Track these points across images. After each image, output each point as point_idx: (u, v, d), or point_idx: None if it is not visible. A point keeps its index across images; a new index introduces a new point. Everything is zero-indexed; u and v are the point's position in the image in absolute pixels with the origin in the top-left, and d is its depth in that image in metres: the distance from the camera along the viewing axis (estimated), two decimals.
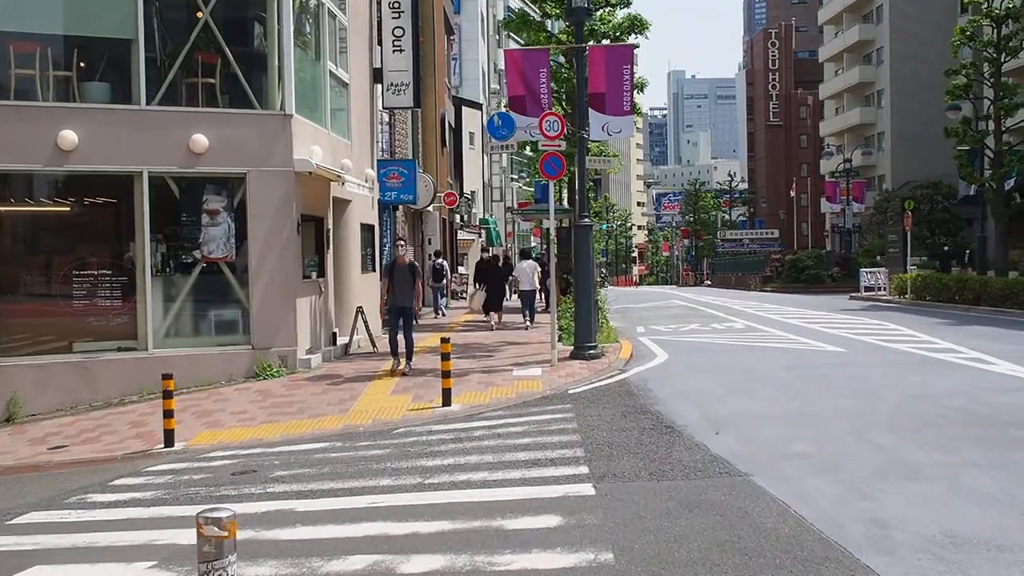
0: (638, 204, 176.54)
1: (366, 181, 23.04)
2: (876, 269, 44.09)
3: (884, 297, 39.69)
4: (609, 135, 19.16)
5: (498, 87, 75.02)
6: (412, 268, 17.26)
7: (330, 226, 20.69)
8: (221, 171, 17.61)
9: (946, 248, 45.85)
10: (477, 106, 61.21)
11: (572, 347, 19.22)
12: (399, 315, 17.38)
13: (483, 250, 30.84)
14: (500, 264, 30.39)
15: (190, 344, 17.63)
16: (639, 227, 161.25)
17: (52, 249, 17.30)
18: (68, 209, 17.45)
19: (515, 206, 76.40)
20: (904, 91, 76.51)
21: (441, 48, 40.58)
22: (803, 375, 16.10)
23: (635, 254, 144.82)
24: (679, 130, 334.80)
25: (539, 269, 30.71)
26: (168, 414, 12.93)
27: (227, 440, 13.07)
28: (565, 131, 18.05)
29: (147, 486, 10.44)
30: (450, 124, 45.42)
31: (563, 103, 26.74)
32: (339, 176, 19.42)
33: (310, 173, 18.13)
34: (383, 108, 26.22)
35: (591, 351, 18.50)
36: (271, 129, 17.86)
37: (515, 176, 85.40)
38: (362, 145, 23.90)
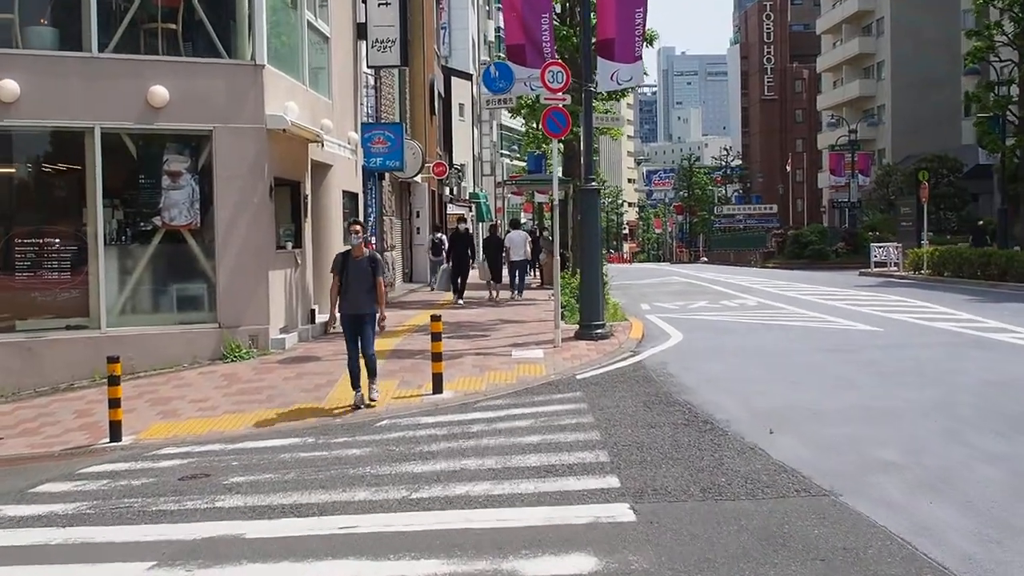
0: (629, 181, 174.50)
1: (349, 143, 21.03)
2: (887, 244, 42.18)
3: (897, 273, 37.82)
4: (619, 84, 17.25)
5: (488, 59, 72.96)
6: (373, 263, 12.09)
7: (308, 192, 18.72)
8: (184, 127, 15.66)
9: (980, 222, 43.86)
10: (467, 77, 59.15)
11: (577, 326, 17.34)
12: (354, 327, 12.01)
13: (459, 220, 29.01)
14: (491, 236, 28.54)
15: (148, 322, 15.69)
16: (630, 204, 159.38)
17: None
18: (8, 170, 15.46)
19: (505, 180, 74.51)
20: (905, 63, 74.59)
21: (430, 10, 38.52)
22: (846, 359, 14.20)
23: (626, 232, 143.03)
24: (669, 107, 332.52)
25: (530, 240, 30.58)
26: (114, 403, 11.16)
27: (183, 434, 11.27)
28: (570, 83, 16.08)
29: (73, 495, 8.55)
30: (439, 93, 43.39)
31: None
32: (318, 136, 17.39)
33: (284, 131, 16.16)
34: (368, 67, 24.21)
35: (599, 330, 16.62)
36: (240, 81, 15.90)
37: (505, 151, 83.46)
38: (345, 106, 21.92)
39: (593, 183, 16.65)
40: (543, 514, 6.85)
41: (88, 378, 14.70)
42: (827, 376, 12.67)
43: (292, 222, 18.32)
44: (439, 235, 33.81)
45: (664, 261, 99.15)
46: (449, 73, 51.37)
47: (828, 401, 10.86)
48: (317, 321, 18.95)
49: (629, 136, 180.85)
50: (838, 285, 31.96)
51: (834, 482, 7.37)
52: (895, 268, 39.57)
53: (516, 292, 27.35)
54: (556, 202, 16.38)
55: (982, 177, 56.17)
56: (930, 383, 11.89)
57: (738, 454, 8.36)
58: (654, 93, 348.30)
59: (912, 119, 72.30)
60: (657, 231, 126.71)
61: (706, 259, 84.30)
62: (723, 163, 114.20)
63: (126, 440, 11.06)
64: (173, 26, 15.96)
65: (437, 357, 12.56)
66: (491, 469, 8.28)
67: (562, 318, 16.99)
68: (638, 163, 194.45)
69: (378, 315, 12.13)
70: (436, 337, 12.59)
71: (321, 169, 20.11)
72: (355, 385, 12.07)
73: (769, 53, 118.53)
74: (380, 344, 17.05)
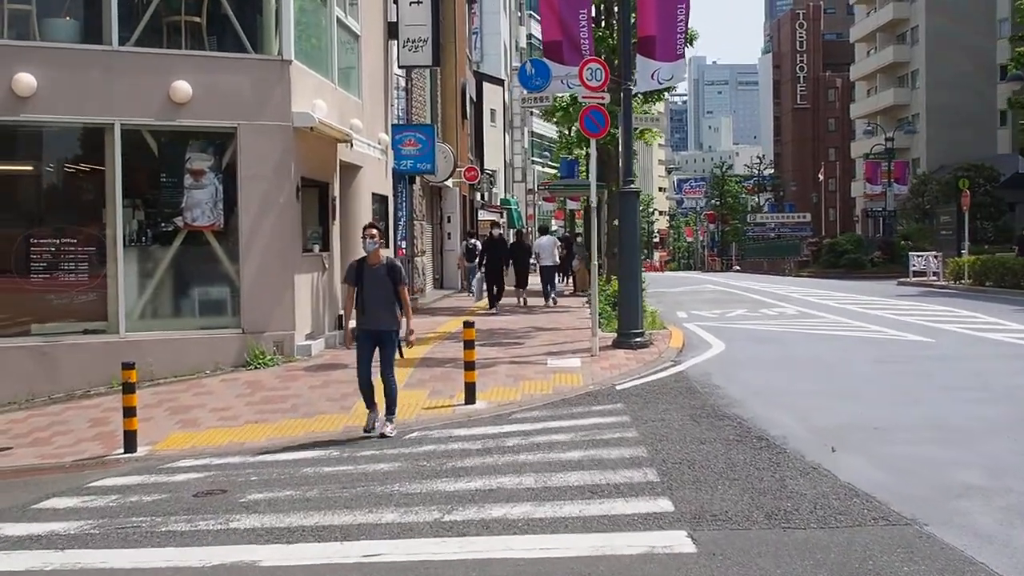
0: (660, 190, 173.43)
1: (379, 144, 20.40)
2: (926, 253, 41.21)
3: (937, 283, 36.84)
4: (660, 84, 16.59)
5: (519, 64, 72.32)
6: (392, 271, 10.52)
7: (336, 193, 18.10)
8: (207, 124, 15.08)
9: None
10: (499, 82, 58.59)
11: (615, 334, 16.64)
12: (371, 344, 10.58)
13: (492, 225, 27.90)
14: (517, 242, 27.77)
15: (169, 327, 15.09)
16: (661, 212, 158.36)
17: (6, 214, 14.80)
18: (25, 167, 14.93)
19: (536, 187, 73.85)
20: (940, 71, 73.59)
21: (462, 13, 37.93)
22: (901, 371, 13.41)
23: (657, 240, 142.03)
24: (700, 116, 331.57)
25: (559, 245, 30.36)
26: (129, 412, 10.54)
27: (201, 444, 10.65)
28: (608, 82, 15.38)
29: (79, 512, 7.91)
30: (471, 97, 42.79)
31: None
32: (347, 136, 16.78)
33: (311, 129, 15.56)
34: (399, 67, 23.61)
35: (638, 339, 15.90)
36: (266, 77, 15.31)
37: (536, 158, 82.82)
38: (375, 106, 21.32)
39: (632, 185, 15.95)
40: (591, 542, 6.14)
41: (106, 384, 14.09)
42: (885, 389, 11.88)
43: (319, 225, 17.73)
44: (473, 240, 33.52)
45: (695, 270, 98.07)
46: (481, 78, 50.76)
47: (891, 417, 10.07)
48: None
49: (660, 144, 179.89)
50: (877, 294, 31.08)
51: (916, 509, 6.61)
52: (934, 278, 38.59)
53: (548, 299, 26.80)
54: (594, 205, 15.68)
55: (1019, 187, 55.17)
56: (999, 399, 11.10)
57: (801, 475, 7.60)
58: (684, 102, 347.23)
59: (947, 128, 71.29)
60: (688, 239, 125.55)
61: (738, 268, 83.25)
62: (755, 171, 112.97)
63: (141, 451, 10.46)
64: (197, 19, 15.39)
65: (470, 366, 11.92)
66: (530, 489, 7.57)
67: (600, 326, 16.28)
68: (669, 171, 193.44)
69: (404, 329, 10.60)
70: (469, 345, 11.95)
71: (350, 170, 19.51)
72: (369, 404, 10.69)
73: (802, 61, 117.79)
74: (409, 352, 16.48)
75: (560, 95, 26.36)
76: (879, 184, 59.61)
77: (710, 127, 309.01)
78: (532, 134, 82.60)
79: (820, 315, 22.81)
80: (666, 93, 24.52)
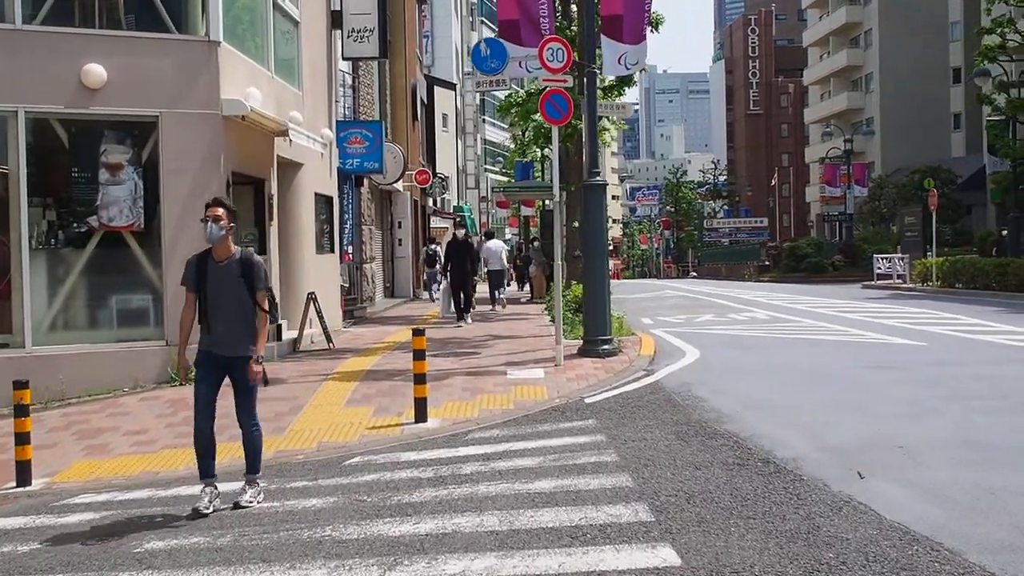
0: (613, 198, 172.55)
1: (322, 139, 18.85)
2: (891, 255, 40.20)
3: (903, 285, 35.76)
4: (627, 68, 15.19)
5: (471, 70, 70.99)
6: (247, 267, 7.69)
7: (274, 192, 16.56)
8: (125, 112, 13.54)
9: (1004, 232, 41.82)
10: (451, 86, 57.22)
11: (580, 341, 15.20)
12: (216, 376, 7.98)
13: (456, 225, 25.94)
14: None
15: (83, 339, 13.49)
16: (614, 220, 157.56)
17: None
18: None
19: (489, 195, 72.50)
20: (893, 75, 73.41)
21: (412, 9, 36.45)
22: (901, 378, 12.04)
23: (611, 247, 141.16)
24: (651, 124, 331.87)
25: (506, 250, 29.48)
26: (22, 439, 9.02)
27: (109, 475, 9.13)
28: (571, 64, 13.97)
29: None
30: (422, 99, 41.30)
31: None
32: (282, 126, 15.18)
33: (243, 118, 14.05)
34: (344, 58, 22.07)
35: (605, 346, 14.48)
36: (192, 60, 13.78)
37: (489, 166, 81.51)
38: (318, 100, 19.80)
39: (598, 178, 14.53)
40: None
41: (9, 405, 12.44)
42: (893, 399, 10.47)
43: (255, 226, 16.19)
44: (433, 246, 32.40)
45: (650, 277, 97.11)
46: (432, 82, 49.31)
47: (913, 432, 8.62)
48: (284, 338, 16.76)
49: (613, 152, 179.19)
50: (845, 297, 29.94)
51: (1005, 562, 5.09)
52: (899, 280, 37.56)
53: (495, 304, 26.45)
54: (557, 198, 14.23)
55: (975, 188, 54.61)
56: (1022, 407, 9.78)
57: (832, 510, 6.12)
58: (636, 111, 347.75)
59: (901, 131, 70.96)
60: (643, 247, 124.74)
61: (695, 274, 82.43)
62: (710, 177, 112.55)
63: (37, 484, 8.93)
64: None
65: (420, 379, 10.43)
66: (493, 532, 6.08)
67: (563, 333, 14.84)
68: (622, 180, 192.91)
69: (255, 354, 7.72)
70: (419, 355, 10.46)
71: (290, 168, 17.99)
72: (206, 470, 7.81)
73: (754, 67, 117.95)
74: (355, 363, 15.01)
75: (513, 90, 25.03)
76: (838, 187, 58.72)
77: (662, 135, 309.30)
78: (485, 141, 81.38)
79: (793, 319, 21.53)
80: (632, 80, 23.04)
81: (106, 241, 13.46)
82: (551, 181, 32.76)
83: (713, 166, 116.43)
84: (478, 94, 73.36)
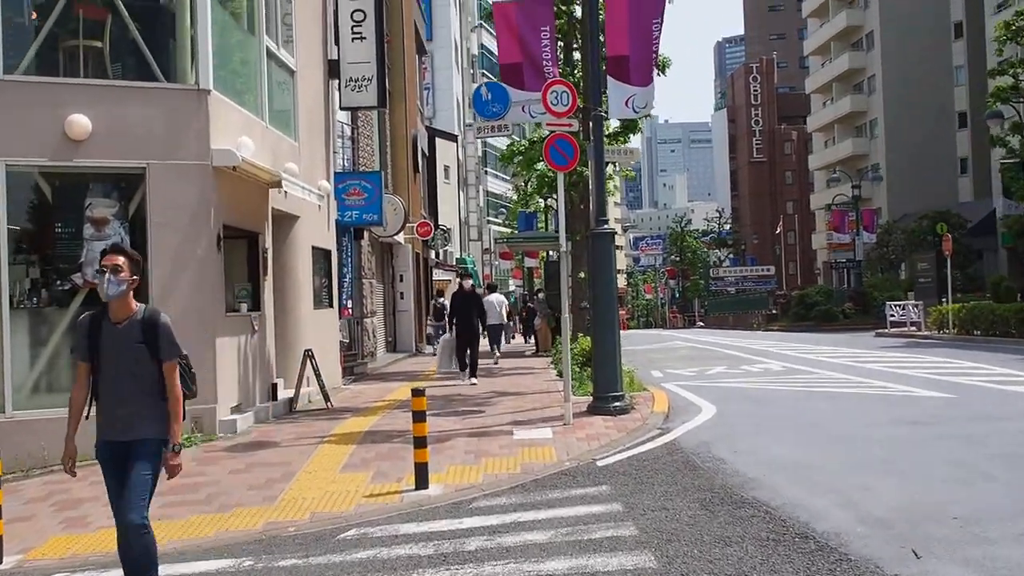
0: (617, 248, 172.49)
1: (319, 191, 18.23)
2: (905, 302, 39.49)
3: (919, 333, 35.01)
4: (635, 112, 14.62)
5: (473, 122, 70.76)
6: (150, 332, 6.12)
7: (268, 245, 15.92)
8: (111, 165, 12.87)
9: None
10: (452, 138, 56.88)
11: (590, 397, 14.49)
12: (116, 465, 6.28)
13: (461, 276, 24.43)
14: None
15: (66, 402, 12.72)
16: (618, 271, 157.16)
17: None
18: None
19: (492, 247, 71.98)
20: (898, 120, 73.18)
21: (412, 60, 36.01)
22: (938, 435, 11.25)
23: None
24: (654, 174, 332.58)
25: (506, 304, 29.10)
26: None
27: (86, 551, 8.38)
28: (576, 107, 13.38)
29: None
30: (423, 151, 40.80)
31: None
32: (276, 178, 14.54)
33: (234, 169, 13.42)
34: (342, 108, 21.53)
35: (617, 403, 13.76)
36: (181, 109, 13.16)
37: (492, 218, 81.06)
38: (315, 151, 19.23)
39: (606, 226, 13.88)
40: None
41: None
42: (933, 460, 9.68)
43: (249, 281, 15.52)
44: (442, 299, 31.71)
45: (655, 327, 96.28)
46: (434, 134, 48.93)
47: (966, 500, 7.83)
48: (279, 398, 16.06)
49: (616, 203, 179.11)
50: (860, 346, 29.23)
51: None
52: (914, 328, 36.82)
53: (494, 357, 26.34)
54: (564, 249, 13.57)
55: (986, 234, 54.12)
56: None
57: None
58: (638, 161, 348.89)
59: (908, 177, 70.58)
60: (648, 297, 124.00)
61: (702, 324, 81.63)
62: (715, 226, 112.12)
63: (9, 562, 8.20)
64: (98, 43, 13.23)
65: (420, 442, 9.72)
66: None
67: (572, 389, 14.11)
68: (625, 230, 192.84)
69: (170, 443, 6.19)
70: (418, 417, 9.76)
71: (286, 221, 17.38)
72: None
73: (756, 115, 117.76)
74: (354, 424, 14.30)
75: (515, 139, 24.50)
76: (847, 233, 58.10)
77: (665, 184, 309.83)
78: (487, 193, 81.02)
79: (810, 370, 20.81)
80: (638, 126, 22.46)
81: (91, 299, 12.67)
82: (556, 231, 32.22)
83: (718, 214, 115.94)
84: (480, 144, 73.19)
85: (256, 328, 15.21)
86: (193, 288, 13.08)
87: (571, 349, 16.92)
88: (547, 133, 14.40)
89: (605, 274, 13.83)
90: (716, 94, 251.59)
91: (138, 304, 6.21)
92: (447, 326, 21.70)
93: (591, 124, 14.37)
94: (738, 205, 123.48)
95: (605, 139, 20.69)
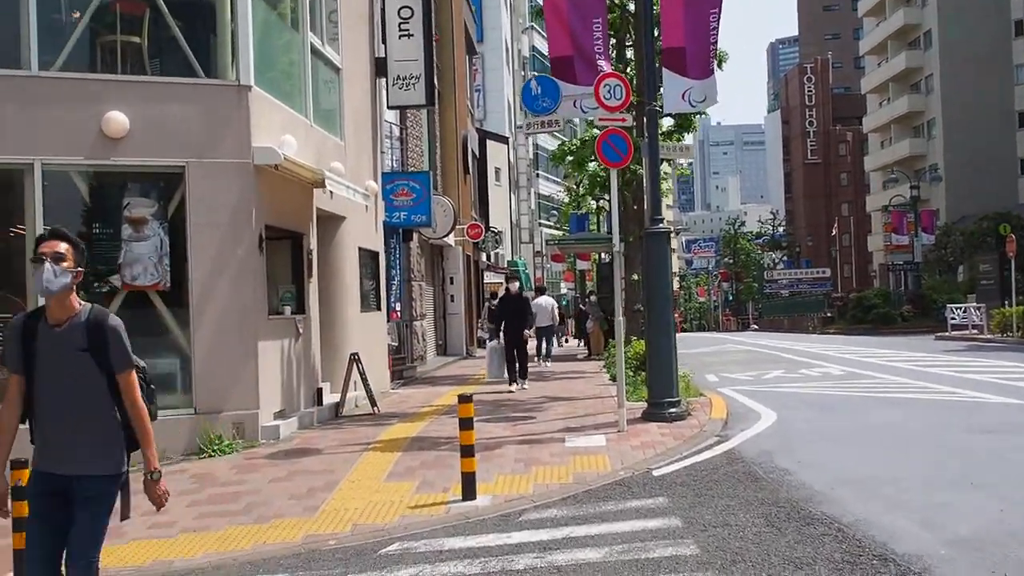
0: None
1: (366, 192, 17.81)
2: (966, 304, 38.46)
3: (981, 336, 34.03)
4: (692, 106, 14.02)
5: (524, 123, 70.26)
6: (96, 336, 4.98)
7: (313, 246, 15.52)
8: (149, 163, 12.53)
9: None
10: (503, 140, 56.39)
11: (644, 403, 13.93)
12: (52, 505, 4.97)
13: (509, 279, 22.73)
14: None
15: None
16: (672, 273, 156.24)
17: None
18: None
19: (544, 249, 71.45)
20: (956, 120, 71.73)
21: (462, 58, 35.62)
22: (1019, 445, 10.58)
23: None
24: (707, 177, 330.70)
25: (556, 306, 29.00)
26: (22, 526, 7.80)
27: (118, 565, 7.93)
28: (630, 101, 12.84)
29: None
30: (473, 152, 40.40)
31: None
32: (320, 177, 14.09)
33: (276, 167, 13.02)
34: (389, 107, 21.13)
35: (672, 409, 13.20)
36: (221, 106, 12.80)
37: (543, 220, 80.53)
38: (361, 151, 18.84)
39: (662, 225, 13.31)
40: None
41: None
42: (1018, 474, 9.03)
43: (293, 283, 15.13)
44: (495, 302, 31.39)
45: (708, 330, 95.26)
46: (484, 136, 48.49)
47: None
48: (324, 403, 15.65)
49: (668, 205, 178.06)
50: (921, 350, 28.38)
51: None
52: (975, 331, 35.82)
53: (540, 360, 26.32)
54: (617, 248, 13.01)
55: None
56: None
57: None
58: (690, 164, 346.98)
59: (966, 178, 69.18)
60: (701, 299, 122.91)
61: (756, 327, 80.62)
62: (769, 228, 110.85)
63: None
64: (136, 40, 12.88)
65: (467, 451, 9.23)
66: None
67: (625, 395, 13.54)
68: (677, 232, 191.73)
69: (146, 469, 5.22)
70: (465, 424, 9.28)
71: (332, 222, 16.99)
72: None
73: (811, 116, 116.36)
74: (400, 430, 13.85)
75: (564, 139, 23.95)
76: (906, 235, 56.94)
77: (717, 187, 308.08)
78: (539, 195, 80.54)
79: (872, 375, 20.09)
80: (692, 124, 21.79)
81: (130, 301, 12.42)
82: (608, 232, 31.63)
83: (772, 216, 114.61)
84: (531, 146, 72.71)
85: (300, 331, 14.80)
86: (234, 290, 12.69)
87: (624, 353, 16.40)
88: (598, 132, 13.87)
89: (660, 275, 13.26)
90: (769, 96, 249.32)
91: (82, 303, 5.08)
92: (495, 331, 20.85)
93: (645, 120, 13.83)
94: (792, 207, 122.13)
95: (659, 136, 20.17)
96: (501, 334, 20.06)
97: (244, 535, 8.51)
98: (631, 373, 16.98)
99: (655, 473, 9.97)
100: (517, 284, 20.83)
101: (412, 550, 7.61)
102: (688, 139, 21.39)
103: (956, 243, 60.25)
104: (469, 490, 9.20)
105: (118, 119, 12.13)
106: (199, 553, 8.10)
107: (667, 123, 21.99)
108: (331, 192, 15.25)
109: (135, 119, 12.25)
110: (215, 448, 12.29)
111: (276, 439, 13.07)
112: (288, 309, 14.57)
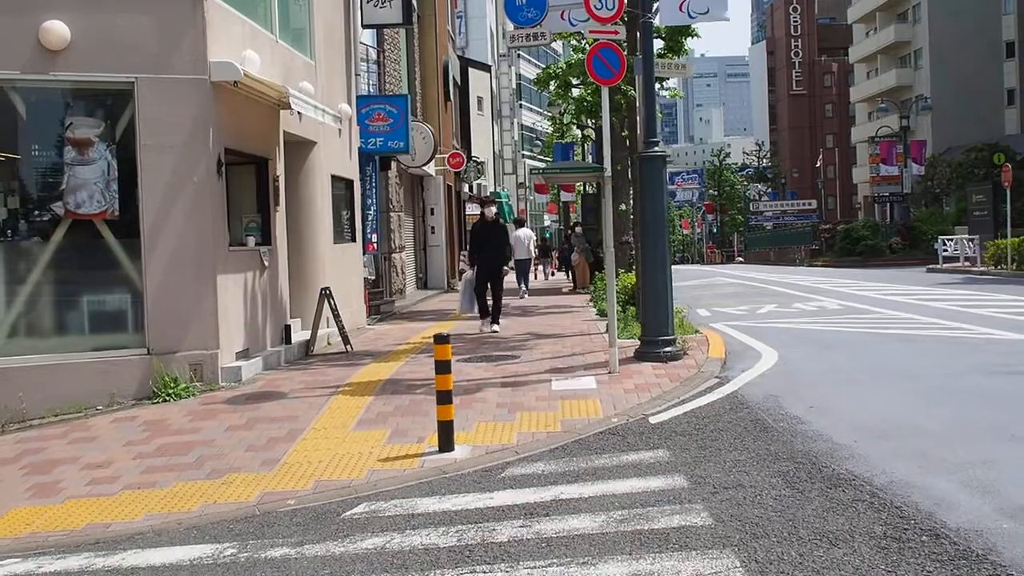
0: None
1: (338, 116, 16.60)
2: (959, 236, 37.56)
3: (974, 269, 33.12)
4: (691, 16, 12.90)
5: (506, 52, 68.76)
6: None
7: (280, 172, 14.39)
8: (94, 78, 11.34)
9: None
10: (486, 68, 54.87)
11: (637, 341, 12.95)
12: None
13: (483, 204, 20.16)
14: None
15: (48, 348, 11.28)
16: None
17: None
18: None
19: (527, 181, 70.21)
20: (943, 50, 70.69)
21: None
22: None
23: None
24: (690, 109, 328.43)
25: (534, 238, 29.13)
26: None
27: (47, 529, 6.98)
28: (624, 11, 11.69)
29: None
30: (455, 79, 39.03)
31: None
32: (284, 94, 12.86)
33: (235, 84, 11.87)
34: (364, 25, 19.87)
35: (668, 347, 12.21)
36: (173, 16, 11.59)
37: (526, 152, 79.18)
38: (333, 72, 17.64)
39: (657, 148, 12.22)
40: None
41: None
42: None
43: (259, 212, 14.03)
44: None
45: (692, 263, 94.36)
46: (466, 64, 47.07)
47: None
48: (294, 341, 14.62)
49: None
50: (915, 283, 27.50)
51: None
52: (968, 263, 34.94)
53: (521, 294, 26.91)
54: (607, 173, 11.91)
55: None
56: None
57: None
58: (674, 96, 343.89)
59: (953, 109, 68.06)
60: (685, 232, 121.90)
61: (742, 259, 79.74)
62: (755, 159, 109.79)
63: None
64: None
65: (444, 397, 8.25)
66: None
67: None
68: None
69: None
70: (443, 367, 8.30)
71: (301, 147, 15.87)
72: None
73: (796, 47, 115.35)
74: (373, 371, 12.85)
75: (545, 66, 22.79)
76: (894, 166, 55.89)
77: (701, 119, 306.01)
78: (522, 127, 79.09)
79: (871, 309, 19.17)
80: (683, 47, 20.50)
81: (74, 231, 11.31)
82: (594, 162, 30.47)
83: (757, 147, 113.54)
84: (514, 76, 71.15)
85: (266, 264, 13.73)
86: (190, 218, 11.59)
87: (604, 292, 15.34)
88: (584, 54, 12.72)
89: (655, 202, 12.19)
90: (753, 27, 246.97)
91: None
92: (468, 263, 18.67)
93: (639, 34, 12.69)
94: (777, 139, 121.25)
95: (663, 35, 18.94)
96: (473, 264, 17.92)
97: (193, 493, 7.55)
98: (620, 309, 15.98)
99: (652, 420, 9.03)
100: (493, 209, 18.46)
101: (380, 513, 6.66)
102: (689, 46, 20.14)
103: (943, 175, 59.40)
104: (446, 441, 8.25)
105: (57, 29, 10.94)
106: (140, 515, 7.15)
107: (656, 47, 20.78)
108: (299, 114, 14.07)
109: (77, 29, 11.07)
110: (170, 392, 11.26)
111: (238, 381, 12.04)
112: (252, 240, 13.48)
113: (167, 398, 11.22)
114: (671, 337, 12.38)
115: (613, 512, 6.15)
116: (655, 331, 12.26)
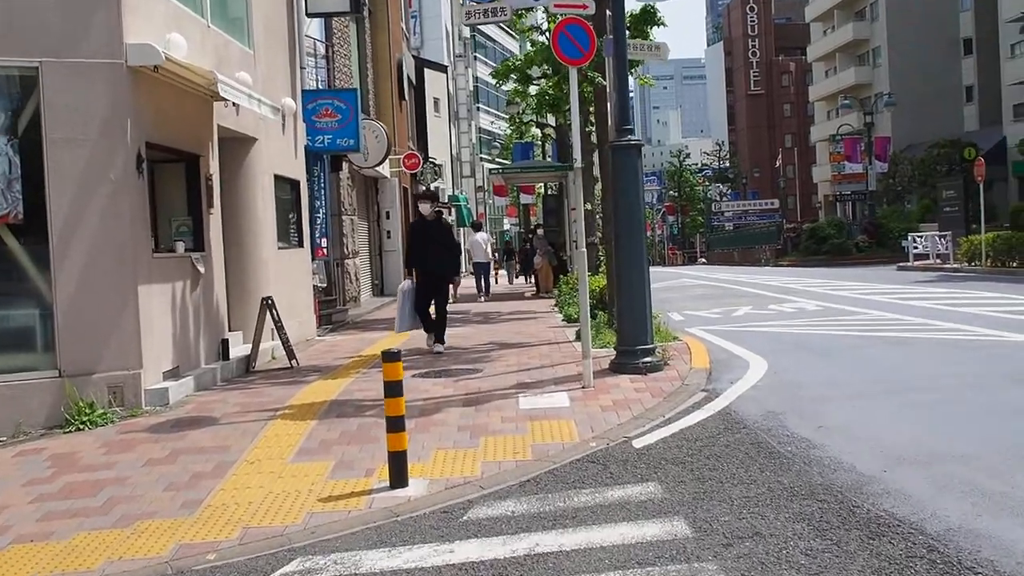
0: None
1: (279, 107, 15.21)
2: (928, 233, 36.67)
3: (947, 266, 32.15)
4: None
5: (462, 52, 67.57)
6: None
7: (214, 171, 13.01)
8: None
9: None
10: (442, 68, 53.68)
11: (613, 350, 11.68)
12: None
13: (425, 198, 16.86)
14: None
15: None
16: None
17: None
18: None
19: (485, 184, 68.89)
20: (902, 48, 70.87)
21: None
22: None
23: None
24: (647, 111, 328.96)
25: (491, 242, 29.44)
26: None
27: None
28: None
29: None
30: (410, 78, 37.69)
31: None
32: (213, 80, 11.48)
33: (155, 69, 10.52)
34: (308, 14, 18.52)
35: (647, 357, 10.96)
36: None
37: (485, 155, 77.93)
38: (275, 63, 16.30)
39: (631, 136, 10.98)
40: None
41: None
42: None
43: (190, 215, 12.66)
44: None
45: (653, 264, 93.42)
46: (422, 64, 45.82)
47: None
48: (232, 356, 13.25)
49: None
50: (889, 281, 26.57)
51: None
52: (939, 260, 34.02)
53: (482, 295, 27.66)
54: (578, 164, 10.64)
55: (993, 163, 51.53)
56: None
57: None
58: (643, 84, 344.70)
59: (912, 106, 67.87)
60: (647, 234, 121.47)
61: (704, 260, 78.96)
62: (715, 159, 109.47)
63: None
64: None
65: (396, 424, 6.98)
66: None
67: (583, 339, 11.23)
68: None
69: None
70: (393, 389, 7.03)
71: (240, 144, 14.53)
72: None
73: (754, 47, 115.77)
74: (319, 389, 11.48)
75: (508, 54, 21.54)
76: (859, 163, 55.18)
77: (658, 121, 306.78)
78: (480, 129, 77.88)
79: (852, 310, 18.06)
80: (655, 17, 19.41)
81: None
82: (555, 161, 29.30)
83: (717, 148, 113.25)
84: (471, 79, 69.95)
85: (201, 271, 12.36)
86: (107, 221, 10.23)
87: (575, 289, 13.97)
88: (544, 41, 11.46)
89: (629, 195, 10.92)
90: (709, 28, 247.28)
91: None
92: (405, 271, 15.83)
93: (608, 12, 11.46)
94: (735, 139, 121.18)
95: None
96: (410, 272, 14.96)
97: (96, 546, 6.22)
98: (612, 315, 14.65)
99: (636, 444, 7.81)
100: (428, 205, 15.22)
101: (316, 572, 5.38)
102: (655, 37, 18.98)
103: (905, 172, 58.92)
104: (398, 475, 6.98)
105: None
106: (29, 574, 5.81)
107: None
108: (236, 107, 12.76)
109: None
110: (85, 419, 9.86)
111: (164, 405, 10.64)
112: (182, 245, 12.11)
113: (81, 426, 9.82)
114: (651, 346, 11.14)
115: (604, 575, 4.90)
116: (632, 339, 11.00)
